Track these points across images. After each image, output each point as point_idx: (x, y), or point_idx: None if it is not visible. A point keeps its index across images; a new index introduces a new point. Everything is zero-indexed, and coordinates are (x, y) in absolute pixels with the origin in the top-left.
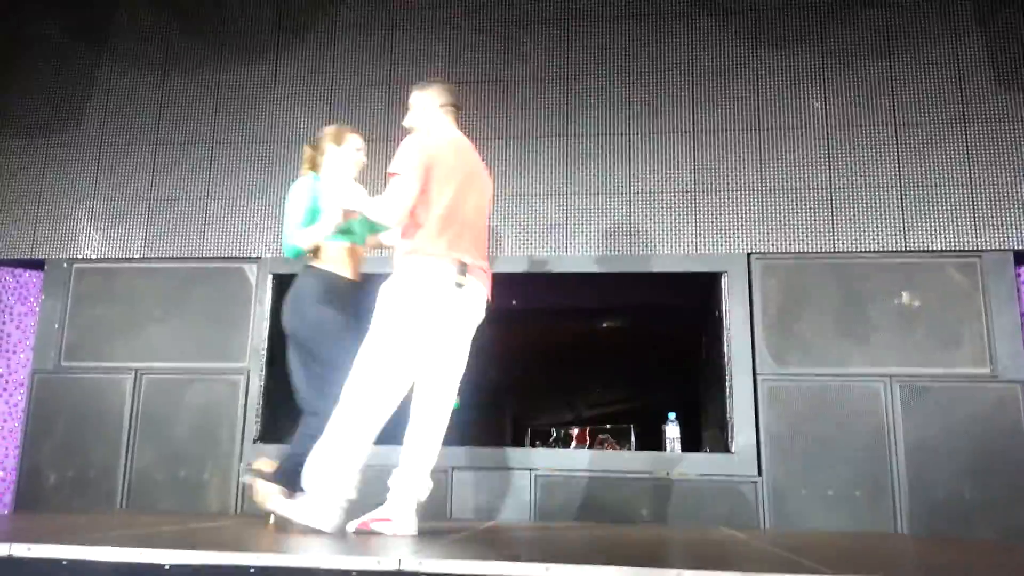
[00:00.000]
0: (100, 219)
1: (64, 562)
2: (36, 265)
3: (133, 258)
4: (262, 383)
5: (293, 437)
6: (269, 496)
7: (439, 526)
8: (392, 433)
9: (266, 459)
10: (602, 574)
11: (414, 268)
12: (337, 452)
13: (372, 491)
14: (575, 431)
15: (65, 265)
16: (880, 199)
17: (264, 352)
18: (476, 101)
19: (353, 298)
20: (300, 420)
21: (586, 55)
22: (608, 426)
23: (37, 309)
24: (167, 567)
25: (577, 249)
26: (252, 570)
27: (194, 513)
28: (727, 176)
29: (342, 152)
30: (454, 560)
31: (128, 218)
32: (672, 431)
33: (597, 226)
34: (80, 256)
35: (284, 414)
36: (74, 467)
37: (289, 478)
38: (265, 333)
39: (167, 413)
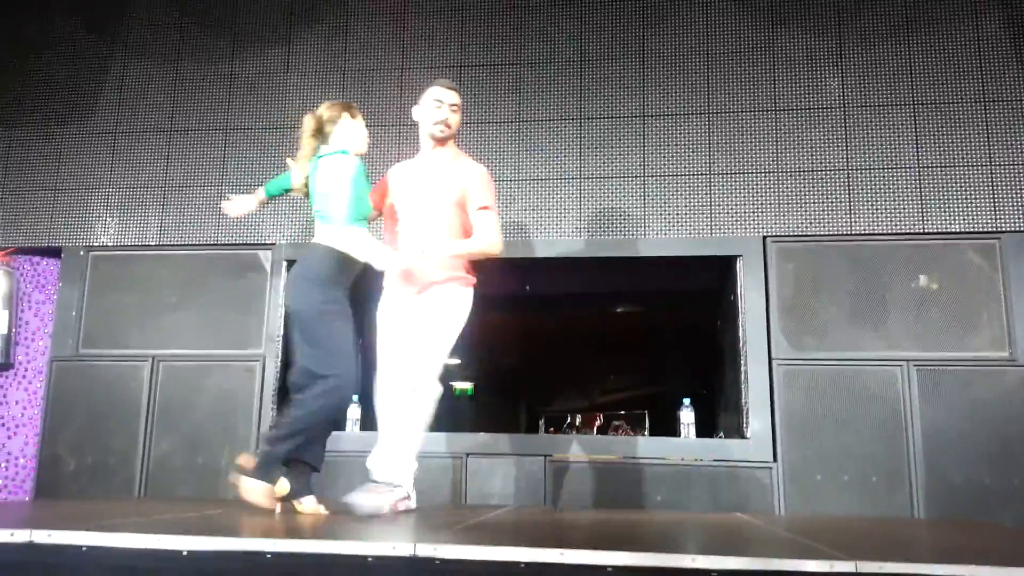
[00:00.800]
0: (116, 207)
1: (84, 548)
2: (53, 253)
3: (149, 245)
4: (278, 369)
5: (283, 424)
6: (253, 491)
7: (454, 512)
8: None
9: (246, 455)
10: (616, 559)
11: (469, 289)
12: (415, 441)
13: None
14: (579, 417)
15: (82, 253)
16: (898, 181)
17: (280, 338)
18: (488, 85)
19: (360, 281)
20: (290, 404)
21: (600, 37)
22: (622, 412)
23: (55, 297)
24: (185, 553)
25: (591, 234)
26: (269, 555)
27: (212, 499)
28: (743, 158)
29: (357, 125)
30: (468, 546)
31: (143, 206)
32: (686, 416)
33: (611, 210)
34: (97, 244)
35: None
36: (93, 454)
37: (267, 471)
38: (280, 320)
39: (184, 400)
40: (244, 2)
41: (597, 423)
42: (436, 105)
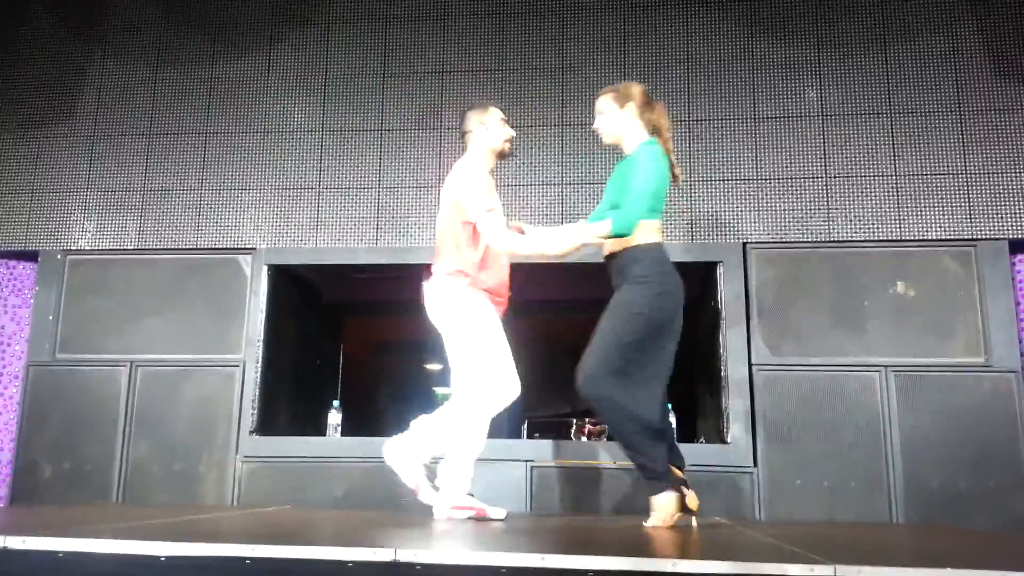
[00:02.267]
0: (94, 210)
1: (60, 554)
2: (30, 257)
3: (127, 249)
4: (258, 374)
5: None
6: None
7: (436, 518)
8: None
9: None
10: (597, 564)
11: (460, 281)
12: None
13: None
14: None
15: (59, 256)
16: (875, 189)
17: (260, 343)
18: (468, 91)
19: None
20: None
21: (581, 45)
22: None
23: (31, 301)
24: (162, 558)
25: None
26: (248, 561)
27: (191, 505)
28: (722, 166)
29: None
30: (449, 550)
31: (122, 209)
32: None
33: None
34: (74, 247)
35: (280, 405)
36: (70, 460)
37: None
38: (261, 325)
39: (163, 405)
40: (224, 5)
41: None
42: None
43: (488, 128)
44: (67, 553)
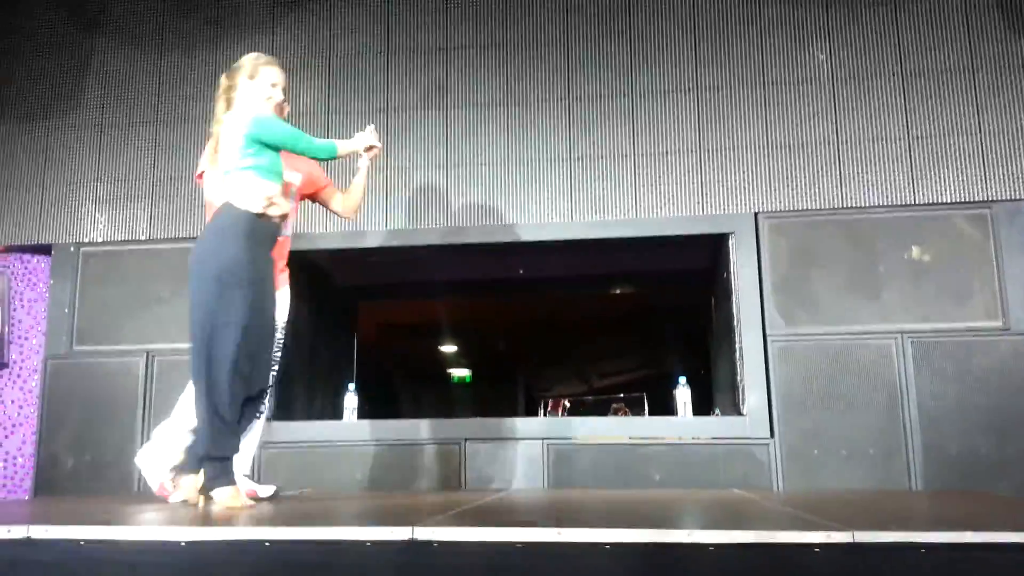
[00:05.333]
0: (105, 202)
1: (82, 542)
2: (43, 250)
3: (139, 240)
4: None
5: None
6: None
7: (453, 496)
8: None
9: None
10: (613, 537)
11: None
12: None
13: None
14: (551, 401)
15: (72, 249)
16: (888, 152)
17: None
18: (475, 66)
19: None
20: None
21: (586, 16)
22: (621, 395)
23: (46, 295)
24: (183, 544)
25: (582, 215)
26: (267, 544)
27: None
28: (732, 134)
29: (255, 87)
30: (466, 528)
31: (132, 200)
32: (683, 395)
33: (602, 191)
34: (87, 240)
35: (296, 391)
36: (91, 451)
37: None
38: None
39: (180, 394)
40: None
41: (557, 406)
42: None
43: (252, 82)
44: (89, 541)
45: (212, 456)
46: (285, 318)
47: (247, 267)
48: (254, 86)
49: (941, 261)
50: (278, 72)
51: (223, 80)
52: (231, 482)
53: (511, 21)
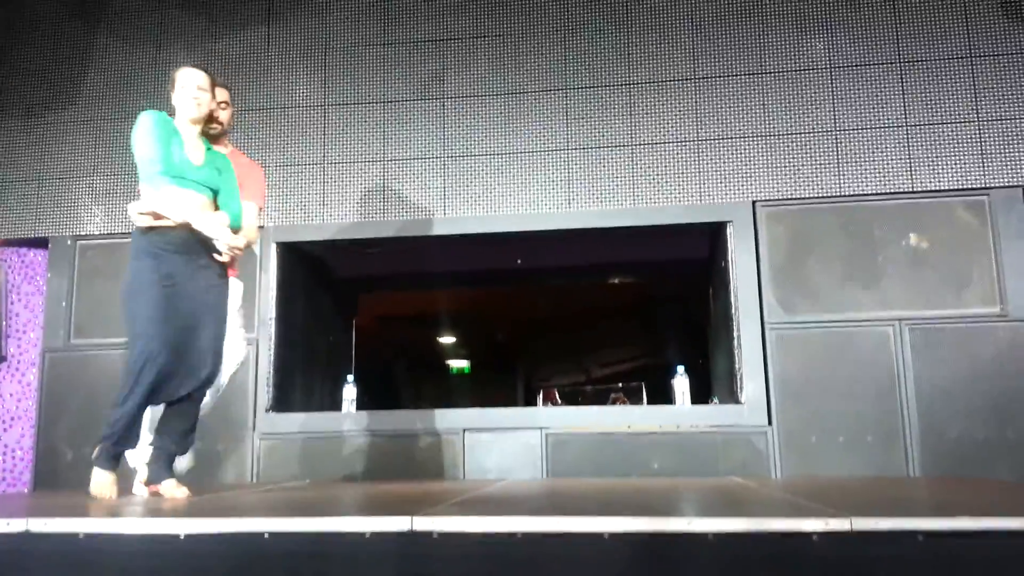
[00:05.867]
0: (102, 195)
1: (80, 535)
2: (40, 244)
3: None
4: (272, 352)
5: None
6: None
7: (452, 486)
8: None
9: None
10: (612, 525)
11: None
12: None
13: None
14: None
15: (69, 243)
16: (886, 140)
17: (273, 321)
18: (472, 57)
19: None
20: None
21: (583, 6)
22: (620, 384)
23: (44, 288)
24: (182, 536)
25: (580, 205)
26: (266, 535)
27: (210, 484)
28: (730, 123)
29: (177, 96)
30: (465, 517)
31: (129, 193)
32: (681, 384)
33: (600, 181)
34: (84, 233)
35: (295, 382)
36: (90, 444)
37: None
38: (273, 303)
39: None
40: None
41: (551, 396)
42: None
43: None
44: (87, 534)
45: (104, 436)
46: (238, 304)
47: (137, 280)
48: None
49: (939, 248)
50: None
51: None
52: (105, 467)
53: (507, 12)
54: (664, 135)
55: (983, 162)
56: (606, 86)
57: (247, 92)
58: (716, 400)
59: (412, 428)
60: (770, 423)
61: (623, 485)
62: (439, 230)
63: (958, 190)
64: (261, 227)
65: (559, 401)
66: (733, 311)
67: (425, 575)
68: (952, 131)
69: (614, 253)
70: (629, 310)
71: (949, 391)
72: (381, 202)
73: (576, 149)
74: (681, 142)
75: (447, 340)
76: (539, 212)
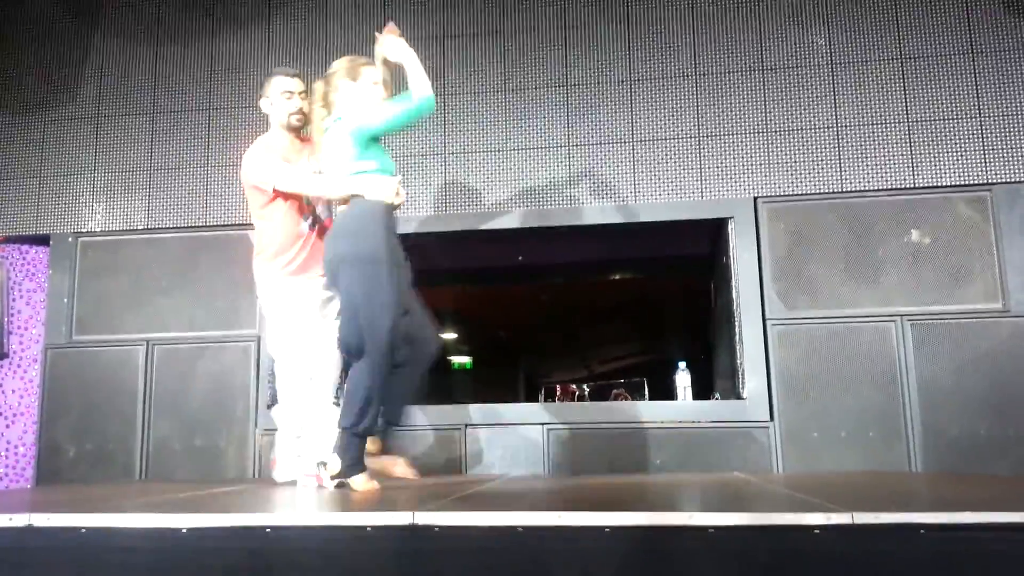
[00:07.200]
0: (102, 192)
1: (83, 530)
2: (42, 241)
3: (137, 229)
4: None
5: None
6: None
7: (453, 481)
8: None
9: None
10: (613, 520)
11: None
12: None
13: None
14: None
15: (70, 239)
16: (887, 136)
17: None
18: (473, 54)
19: None
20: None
21: (583, 2)
22: (622, 380)
23: (45, 285)
24: (184, 531)
25: (581, 201)
26: (268, 530)
27: (212, 480)
28: (730, 119)
29: (358, 88)
30: (466, 512)
31: (130, 189)
32: (683, 380)
33: (601, 177)
34: (85, 230)
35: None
36: (92, 440)
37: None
38: None
39: (181, 382)
40: None
41: (567, 391)
42: (287, 96)
43: (272, 102)
44: (90, 529)
45: (343, 427)
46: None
47: (390, 252)
48: (356, 87)
49: (941, 244)
50: (378, 71)
51: (320, 86)
52: (358, 460)
53: (507, 8)
54: (665, 131)
55: (985, 158)
56: (607, 82)
57: (247, 92)
58: (718, 396)
59: (413, 423)
60: (772, 418)
61: (625, 480)
62: (440, 227)
63: (960, 186)
64: None
65: (585, 396)
66: (735, 307)
67: (427, 569)
68: (954, 127)
69: (615, 249)
70: (631, 306)
71: (951, 387)
72: None
73: (577, 145)
74: (682, 138)
75: (449, 336)
76: (541, 208)
